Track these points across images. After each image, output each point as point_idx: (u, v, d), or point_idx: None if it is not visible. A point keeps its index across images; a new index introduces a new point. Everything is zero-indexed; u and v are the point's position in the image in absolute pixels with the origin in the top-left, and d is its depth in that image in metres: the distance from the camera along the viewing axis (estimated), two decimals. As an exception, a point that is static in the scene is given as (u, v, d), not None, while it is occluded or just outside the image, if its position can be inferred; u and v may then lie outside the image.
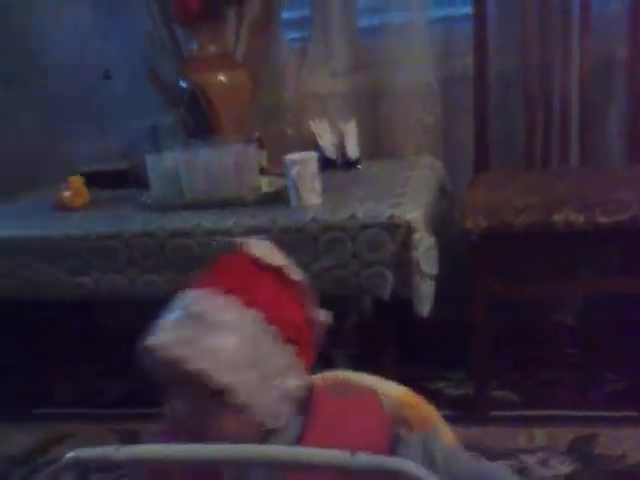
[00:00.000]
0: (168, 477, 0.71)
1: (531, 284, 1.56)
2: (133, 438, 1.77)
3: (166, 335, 0.74)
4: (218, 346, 0.72)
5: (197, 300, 0.76)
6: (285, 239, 1.57)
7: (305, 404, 0.77)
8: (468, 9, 1.93)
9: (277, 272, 0.78)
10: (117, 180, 2.10)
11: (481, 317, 1.64)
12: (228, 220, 1.64)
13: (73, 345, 2.22)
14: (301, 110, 2.12)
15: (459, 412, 1.75)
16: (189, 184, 1.77)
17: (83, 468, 0.54)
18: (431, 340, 1.97)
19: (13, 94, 2.32)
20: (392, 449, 0.77)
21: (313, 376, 0.83)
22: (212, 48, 1.91)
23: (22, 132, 2.33)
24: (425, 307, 1.54)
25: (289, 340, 0.75)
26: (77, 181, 1.95)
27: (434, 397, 1.78)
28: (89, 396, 2.09)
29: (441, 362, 1.98)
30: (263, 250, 0.79)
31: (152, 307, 0.80)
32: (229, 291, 0.75)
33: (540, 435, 1.63)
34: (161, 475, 0.71)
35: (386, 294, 1.55)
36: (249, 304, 0.75)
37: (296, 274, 0.79)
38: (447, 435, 0.87)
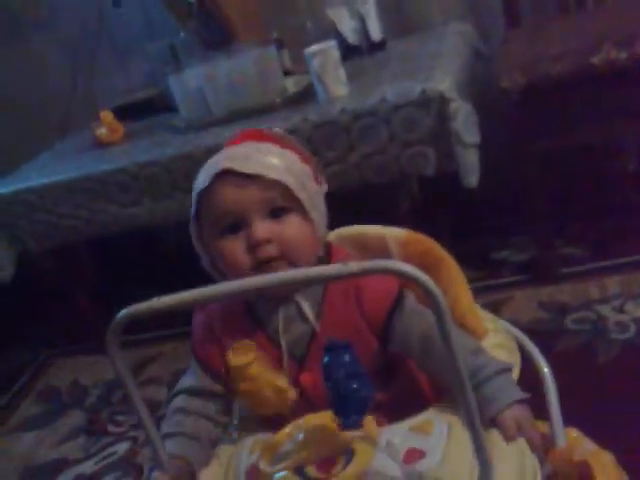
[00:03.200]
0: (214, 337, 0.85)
1: (579, 132, 1.48)
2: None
3: (239, 160, 0.80)
4: (286, 168, 0.81)
5: (239, 147, 0.82)
6: (319, 135, 1.54)
7: (325, 254, 0.87)
8: None
9: (284, 137, 0.86)
10: (147, 108, 2.09)
11: (533, 175, 1.58)
12: (260, 127, 1.60)
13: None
14: (316, -1, 2.03)
15: (528, 275, 1.74)
16: (215, 99, 1.74)
17: (134, 320, 0.62)
18: (490, 210, 1.94)
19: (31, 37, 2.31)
20: (392, 305, 0.83)
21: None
22: (212, -50, 1.83)
23: (46, 76, 2.33)
24: (472, 177, 1.49)
25: (318, 182, 0.85)
26: (108, 116, 1.95)
27: (501, 265, 1.79)
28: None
29: (502, 230, 1.94)
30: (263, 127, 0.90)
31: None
32: (264, 140, 0.83)
33: (612, 284, 1.61)
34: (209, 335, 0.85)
35: (430, 172, 1.51)
36: (285, 147, 0.83)
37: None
38: (457, 283, 0.94)
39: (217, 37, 1.88)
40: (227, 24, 1.86)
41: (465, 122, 1.45)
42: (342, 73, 1.61)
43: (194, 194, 0.83)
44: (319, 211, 0.84)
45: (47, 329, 2.25)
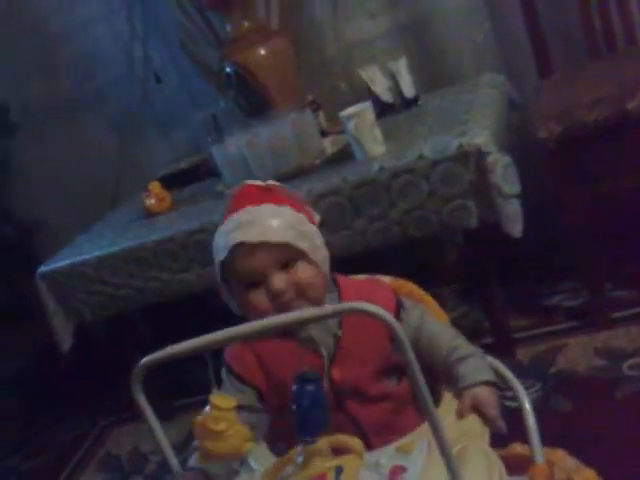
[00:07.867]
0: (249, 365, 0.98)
1: (618, 178, 1.48)
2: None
3: (246, 231, 0.93)
4: (285, 226, 0.94)
5: (244, 214, 0.95)
6: (359, 194, 1.57)
7: (333, 285, 1.02)
8: None
9: (278, 189, 0.99)
10: (192, 176, 2.16)
11: (577, 221, 1.58)
12: (301, 189, 1.65)
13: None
14: (348, 60, 2.09)
15: (581, 321, 1.72)
16: (257, 164, 1.79)
17: (153, 367, 0.72)
18: (537, 257, 1.92)
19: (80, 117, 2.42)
20: (396, 312, 0.99)
21: None
22: (246, 24, 1.91)
23: (96, 153, 2.43)
24: (516, 227, 1.49)
25: (312, 221, 0.99)
26: (156, 187, 2.02)
27: (553, 311, 1.78)
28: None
29: (552, 276, 1.93)
30: (256, 183, 1.00)
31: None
32: (262, 201, 0.95)
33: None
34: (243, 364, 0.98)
35: (472, 224, 1.52)
36: (279, 203, 0.96)
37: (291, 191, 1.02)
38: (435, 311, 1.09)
39: (255, 105, 1.95)
40: (264, 92, 1.93)
41: (504, 174, 1.47)
42: (378, 133, 1.65)
43: (216, 262, 0.97)
44: (319, 248, 0.97)
45: (105, 397, 2.28)
